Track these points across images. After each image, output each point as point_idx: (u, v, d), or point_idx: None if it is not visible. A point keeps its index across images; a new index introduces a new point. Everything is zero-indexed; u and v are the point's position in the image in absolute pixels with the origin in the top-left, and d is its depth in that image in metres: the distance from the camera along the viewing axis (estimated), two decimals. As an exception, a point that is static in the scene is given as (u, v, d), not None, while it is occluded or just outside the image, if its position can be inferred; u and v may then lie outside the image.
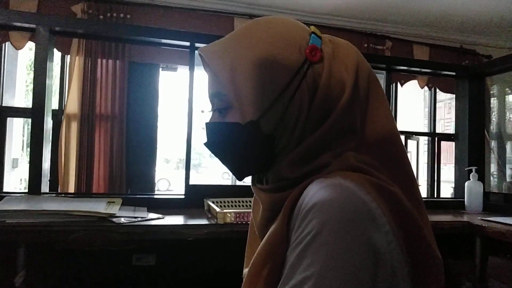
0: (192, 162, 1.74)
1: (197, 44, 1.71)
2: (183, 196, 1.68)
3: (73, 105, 3.02)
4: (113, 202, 1.42)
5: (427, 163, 4.21)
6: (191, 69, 1.71)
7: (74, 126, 3.02)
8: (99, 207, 1.32)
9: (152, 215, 1.37)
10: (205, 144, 0.66)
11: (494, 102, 4.05)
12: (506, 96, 4.05)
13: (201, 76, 1.83)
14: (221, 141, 0.63)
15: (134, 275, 1.45)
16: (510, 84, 3.92)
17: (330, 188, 0.50)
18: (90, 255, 1.39)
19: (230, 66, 0.59)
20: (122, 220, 1.25)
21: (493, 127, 4.01)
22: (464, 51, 4.03)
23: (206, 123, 0.65)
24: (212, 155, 0.67)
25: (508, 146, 3.93)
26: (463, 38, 4.05)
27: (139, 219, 1.30)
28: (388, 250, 0.48)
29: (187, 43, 1.71)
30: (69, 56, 3.07)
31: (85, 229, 1.16)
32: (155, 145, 3.35)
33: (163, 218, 1.36)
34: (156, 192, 4.11)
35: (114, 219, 1.25)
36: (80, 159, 2.99)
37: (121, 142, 3.09)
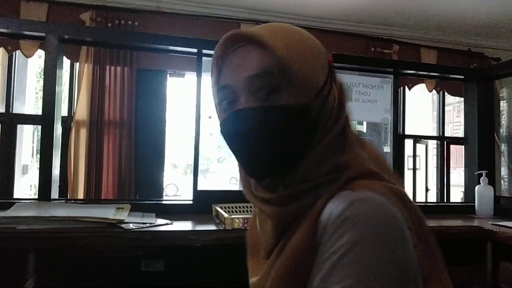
0: (200, 167, 1.74)
1: (204, 51, 1.72)
2: (191, 202, 1.69)
3: (82, 112, 3.05)
4: (122, 208, 1.43)
5: (436, 167, 4.18)
6: (199, 75, 1.72)
7: (83, 133, 3.04)
8: (108, 213, 1.32)
9: (160, 221, 1.38)
10: (237, 134, 0.59)
11: (503, 105, 4.01)
12: (516, 99, 4.01)
13: (209, 82, 1.84)
14: (266, 128, 0.57)
15: (142, 280, 1.45)
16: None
17: (360, 202, 0.51)
18: (99, 261, 1.39)
19: (287, 44, 0.58)
20: (131, 226, 1.26)
21: (503, 130, 3.97)
22: (472, 54, 4.00)
23: (245, 109, 0.58)
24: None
25: (518, 150, 3.89)
26: (471, 41, 4.03)
27: (147, 225, 1.30)
28: (413, 264, 0.50)
29: (195, 50, 1.73)
30: (78, 63, 3.11)
31: (94, 235, 1.16)
32: (163, 151, 3.37)
33: (171, 223, 1.37)
34: (164, 198, 4.12)
35: (123, 225, 1.25)
36: (89, 165, 3.01)
37: (129, 148, 3.11)
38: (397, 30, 3.83)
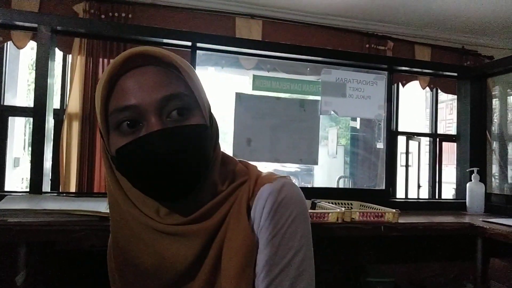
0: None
1: (198, 44, 1.71)
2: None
3: (74, 105, 3.02)
4: (114, 201, 1.42)
5: (429, 164, 4.20)
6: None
7: (76, 126, 3.02)
8: (100, 206, 1.31)
9: (153, 215, 1.37)
10: (156, 156, 0.56)
11: (495, 103, 4.04)
12: (508, 97, 4.04)
13: (202, 76, 1.83)
14: (186, 146, 0.58)
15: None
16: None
17: (285, 188, 0.64)
18: (91, 255, 1.39)
19: (190, 68, 0.63)
20: (123, 219, 1.25)
21: (494, 128, 4.00)
22: (466, 52, 4.02)
23: (163, 129, 0.57)
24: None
25: (510, 147, 3.92)
26: (465, 39, 4.04)
27: (140, 219, 1.29)
28: None
29: (189, 43, 1.71)
30: (70, 55, 3.07)
31: (86, 229, 1.16)
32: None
33: (164, 218, 1.36)
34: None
35: (115, 219, 1.25)
36: (82, 159, 2.99)
37: (122, 141, 3.09)
38: (392, 27, 3.84)
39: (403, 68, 2.09)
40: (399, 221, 1.46)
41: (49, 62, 1.54)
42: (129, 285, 0.68)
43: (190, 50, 1.73)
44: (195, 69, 1.70)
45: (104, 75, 0.59)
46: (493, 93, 3.90)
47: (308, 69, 2.02)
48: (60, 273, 1.38)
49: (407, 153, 4.12)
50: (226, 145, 1.73)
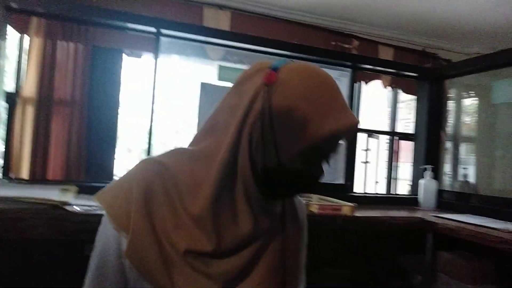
0: (155, 152, 1.71)
1: (163, 31, 1.67)
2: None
3: (30, 88, 2.88)
4: (67, 189, 1.37)
5: (388, 161, 4.34)
6: (156, 57, 1.67)
7: (30, 110, 2.88)
8: (52, 194, 1.26)
9: (109, 204, 1.33)
10: (316, 179, 0.76)
11: (451, 104, 4.22)
12: (462, 100, 4.24)
13: (165, 64, 1.80)
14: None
15: (85, 264, 1.41)
16: (466, 88, 4.11)
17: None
18: (40, 244, 1.33)
19: None
20: (76, 208, 1.21)
21: (449, 128, 4.18)
22: (426, 55, 4.16)
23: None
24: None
25: (462, 148, 4.13)
26: (426, 41, 4.18)
27: (94, 207, 1.25)
28: None
29: (153, 29, 1.67)
30: (27, 36, 2.92)
31: (36, 217, 1.11)
32: (115, 133, 3.26)
33: (121, 207, 1.32)
34: (116, 182, 3.99)
35: (67, 207, 1.20)
36: (36, 144, 2.86)
37: (80, 128, 2.97)
38: (357, 26, 3.90)
39: (366, 66, 2.14)
40: (356, 214, 1.50)
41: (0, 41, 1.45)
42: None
43: (154, 36, 1.68)
44: (158, 57, 1.67)
45: (337, 122, 0.70)
46: (449, 95, 4.07)
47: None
48: (9, 262, 1.31)
49: (366, 149, 4.23)
50: (189, 136, 1.71)
